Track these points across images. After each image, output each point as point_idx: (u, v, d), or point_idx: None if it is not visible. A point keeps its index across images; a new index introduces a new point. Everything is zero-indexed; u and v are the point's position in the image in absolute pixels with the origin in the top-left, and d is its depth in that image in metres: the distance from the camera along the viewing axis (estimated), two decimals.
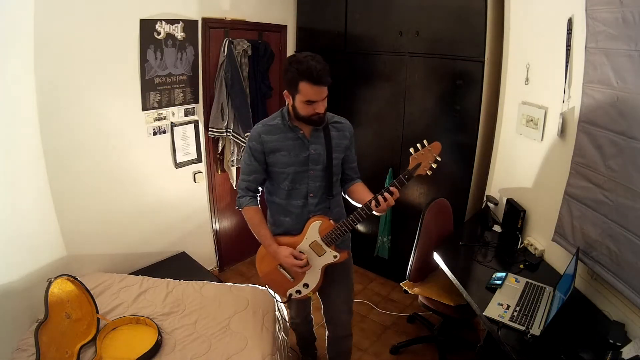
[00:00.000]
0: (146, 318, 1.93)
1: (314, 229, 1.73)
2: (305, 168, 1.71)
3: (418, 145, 1.58)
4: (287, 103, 1.68)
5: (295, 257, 1.71)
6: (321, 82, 1.54)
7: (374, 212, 1.62)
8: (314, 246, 1.74)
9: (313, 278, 1.79)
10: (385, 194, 1.57)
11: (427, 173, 1.58)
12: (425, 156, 1.58)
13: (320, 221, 1.73)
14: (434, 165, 1.58)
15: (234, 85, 2.81)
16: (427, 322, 2.66)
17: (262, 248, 1.84)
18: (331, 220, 1.74)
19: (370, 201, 1.60)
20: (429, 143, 1.57)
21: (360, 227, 3.32)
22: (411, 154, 1.59)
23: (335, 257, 1.75)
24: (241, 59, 2.87)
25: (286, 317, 2.25)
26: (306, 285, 1.81)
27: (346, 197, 1.88)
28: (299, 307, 2.16)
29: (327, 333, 2.03)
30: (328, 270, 1.80)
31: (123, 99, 2.42)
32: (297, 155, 1.69)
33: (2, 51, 1.79)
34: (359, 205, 1.71)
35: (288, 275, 1.81)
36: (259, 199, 1.81)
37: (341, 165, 1.81)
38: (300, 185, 1.73)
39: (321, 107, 1.60)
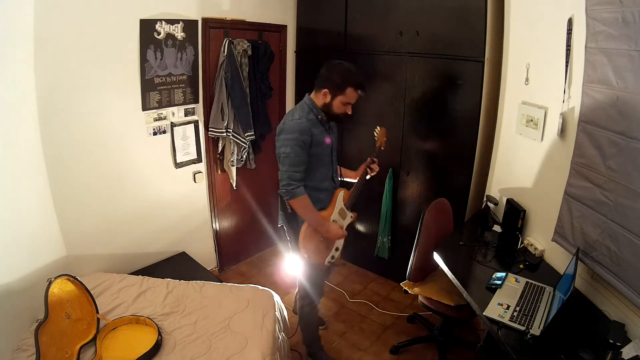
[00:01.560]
0: (146, 318, 1.93)
1: (340, 199, 2.15)
2: (331, 154, 2.11)
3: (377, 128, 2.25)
4: (310, 98, 2.01)
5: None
6: (363, 90, 1.97)
7: (367, 177, 2.22)
8: (341, 212, 2.16)
9: (340, 240, 2.20)
10: (372, 165, 2.20)
11: (381, 148, 2.26)
12: (380, 137, 2.26)
13: (343, 191, 2.17)
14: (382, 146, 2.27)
15: (234, 85, 2.81)
16: (427, 322, 2.67)
17: (305, 229, 2.05)
18: (346, 189, 2.19)
19: (365, 171, 2.19)
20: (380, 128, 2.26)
21: (360, 227, 3.32)
22: (375, 135, 2.25)
23: (351, 217, 2.23)
24: (241, 59, 2.87)
25: (286, 317, 2.25)
26: (337, 249, 2.20)
27: None
28: (323, 278, 2.40)
29: None
30: None
31: (123, 99, 2.42)
32: (328, 145, 2.06)
33: (2, 51, 1.80)
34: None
35: (326, 244, 2.14)
36: None
37: None
38: (329, 168, 2.12)
39: (350, 109, 2.00)
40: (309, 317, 2.33)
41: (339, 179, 2.26)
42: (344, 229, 2.19)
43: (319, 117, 1.99)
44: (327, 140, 2.03)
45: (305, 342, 2.41)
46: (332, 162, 2.13)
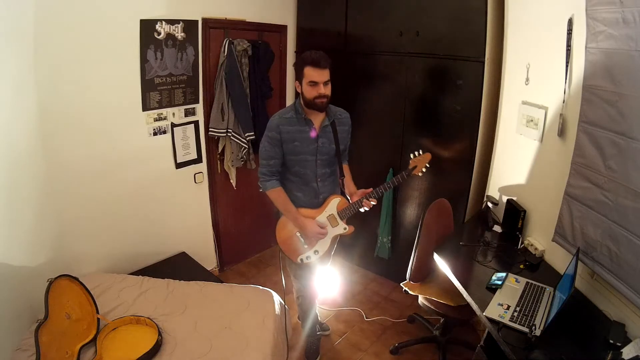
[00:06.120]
0: (146, 318, 1.93)
1: (333, 204, 2.10)
2: (313, 158, 2.03)
3: (416, 152, 2.04)
4: (299, 96, 1.98)
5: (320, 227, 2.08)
6: (320, 65, 1.85)
7: (360, 210, 2.06)
8: (330, 218, 2.11)
9: (323, 246, 2.14)
10: (368, 200, 2.03)
11: (419, 174, 2.05)
12: (420, 161, 2.04)
13: (339, 199, 2.11)
14: (424, 170, 2.05)
15: (234, 85, 2.81)
16: (427, 322, 2.66)
17: (283, 218, 2.12)
18: (346, 199, 2.12)
19: (379, 189, 2.01)
20: (423, 152, 2.04)
21: (360, 227, 3.31)
22: (410, 157, 2.04)
23: (345, 229, 2.12)
24: (241, 59, 2.87)
25: (287, 318, 2.25)
26: (316, 252, 2.14)
27: None
28: (307, 277, 2.29)
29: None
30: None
31: (123, 99, 2.42)
32: (307, 146, 2.00)
33: (2, 51, 1.80)
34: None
35: (302, 242, 2.12)
36: (279, 180, 2.08)
37: None
38: (306, 169, 2.04)
39: (324, 89, 1.88)
40: (301, 309, 2.44)
41: (338, 186, 2.16)
42: (332, 238, 2.13)
43: (302, 115, 1.98)
44: (304, 138, 1.98)
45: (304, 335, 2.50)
46: (311, 163, 2.03)
